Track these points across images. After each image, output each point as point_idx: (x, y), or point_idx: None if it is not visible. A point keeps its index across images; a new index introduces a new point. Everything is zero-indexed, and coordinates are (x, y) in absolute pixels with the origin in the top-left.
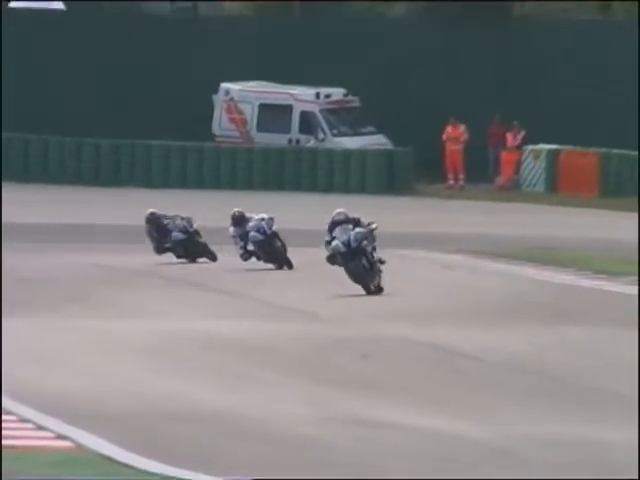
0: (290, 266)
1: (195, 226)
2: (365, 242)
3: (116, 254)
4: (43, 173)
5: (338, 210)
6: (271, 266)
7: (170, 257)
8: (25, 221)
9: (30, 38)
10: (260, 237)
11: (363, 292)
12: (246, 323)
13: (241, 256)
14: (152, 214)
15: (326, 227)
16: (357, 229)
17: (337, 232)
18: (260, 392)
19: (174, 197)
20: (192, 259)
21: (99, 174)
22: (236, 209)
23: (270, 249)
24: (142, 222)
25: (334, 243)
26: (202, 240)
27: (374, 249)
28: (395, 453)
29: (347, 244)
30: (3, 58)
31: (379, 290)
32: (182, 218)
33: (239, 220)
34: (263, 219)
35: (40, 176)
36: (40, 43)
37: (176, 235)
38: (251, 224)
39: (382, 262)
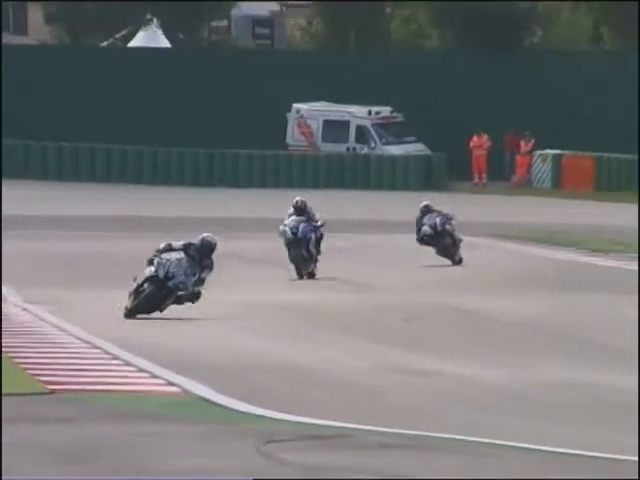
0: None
1: None
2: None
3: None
4: (154, 176)
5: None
6: None
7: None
8: (151, 214)
9: (140, 73)
10: (430, 231)
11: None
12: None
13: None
14: (425, 206)
15: (374, 218)
16: None
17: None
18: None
19: (257, 195)
20: None
21: (198, 177)
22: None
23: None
24: (227, 214)
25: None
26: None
27: None
28: (434, 395)
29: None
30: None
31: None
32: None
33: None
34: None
35: (151, 179)
36: (152, 78)
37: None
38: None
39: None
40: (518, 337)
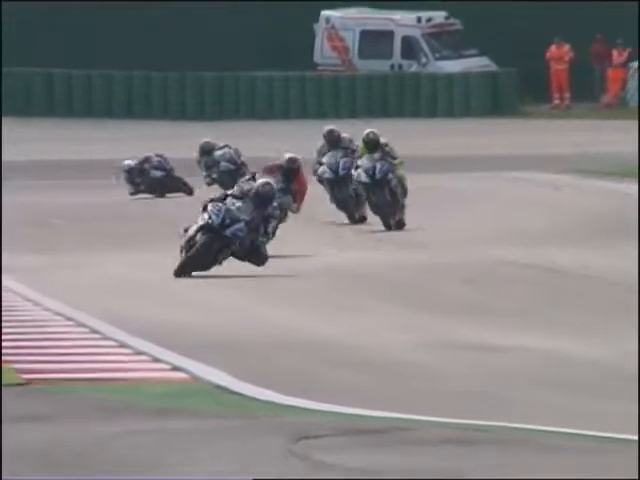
0: None
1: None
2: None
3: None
4: (145, 108)
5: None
6: None
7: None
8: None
9: None
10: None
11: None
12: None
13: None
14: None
15: (425, 154)
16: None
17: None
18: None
19: (279, 128)
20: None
21: (203, 108)
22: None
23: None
24: (246, 153)
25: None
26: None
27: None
28: (509, 376)
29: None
30: None
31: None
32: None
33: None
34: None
35: (138, 111)
36: None
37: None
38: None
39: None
40: (612, 298)
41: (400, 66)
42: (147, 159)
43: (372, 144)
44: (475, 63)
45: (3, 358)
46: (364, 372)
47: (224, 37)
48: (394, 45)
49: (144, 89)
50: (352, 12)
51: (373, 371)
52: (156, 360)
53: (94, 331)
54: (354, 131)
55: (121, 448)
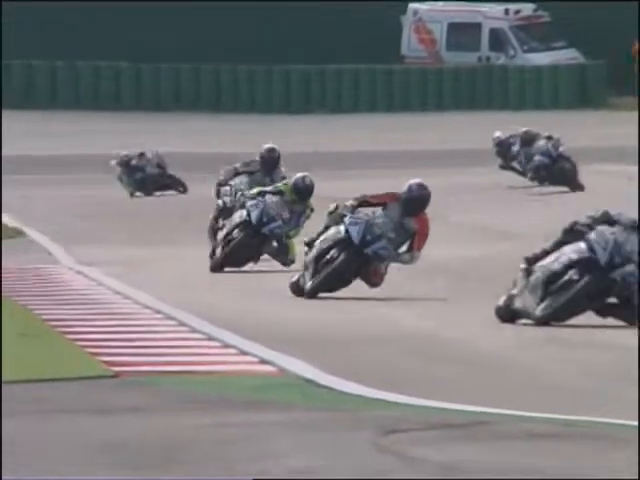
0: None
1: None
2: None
3: None
4: (228, 101)
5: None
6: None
7: None
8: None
9: None
10: (546, 160)
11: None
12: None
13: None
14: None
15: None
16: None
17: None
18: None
19: (365, 121)
20: None
21: (289, 101)
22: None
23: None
24: (333, 148)
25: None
26: None
27: None
28: (603, 372)
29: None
30: None
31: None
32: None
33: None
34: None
35: (222, 104)
36: None
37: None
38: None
39: None
40: None
41: (488, 58)
42: (512, 135)
43: (304, 194)
44: (563, 55)
45: (92, 350)
46: (454, 365)
47: (310, 30)
48: (482, 37)
49: (231, 83)
50: (440, 4)
51: (463, 364)
52: (244, 353)
53: (182, 324)
54: (439, 123)
55: (210, 439)
